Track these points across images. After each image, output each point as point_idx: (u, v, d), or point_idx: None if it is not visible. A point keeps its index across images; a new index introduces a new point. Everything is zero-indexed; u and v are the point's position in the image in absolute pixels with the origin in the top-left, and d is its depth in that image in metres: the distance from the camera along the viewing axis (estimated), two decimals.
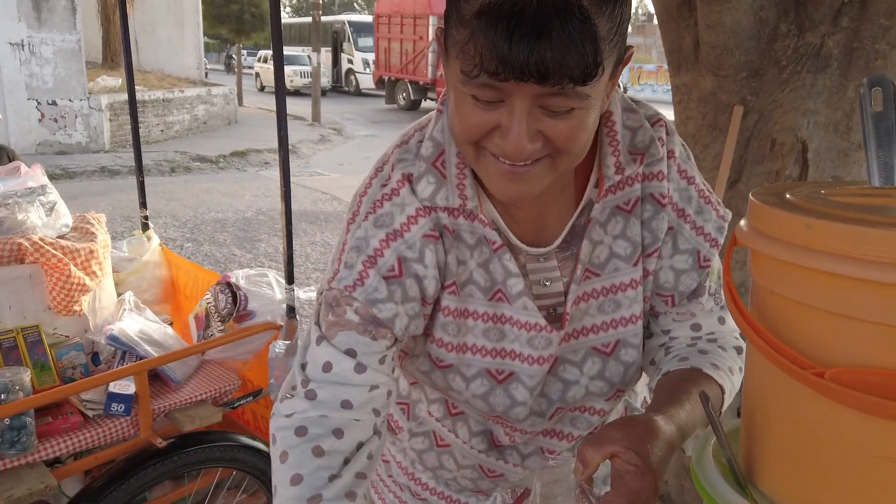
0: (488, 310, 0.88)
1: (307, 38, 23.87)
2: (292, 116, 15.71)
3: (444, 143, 0.84)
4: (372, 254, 0.82)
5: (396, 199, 0.84)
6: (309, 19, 21.97)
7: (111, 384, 1.85)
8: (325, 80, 24.96)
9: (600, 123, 0.84)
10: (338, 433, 0.81)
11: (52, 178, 2.35)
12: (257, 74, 26.85)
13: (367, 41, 23.86)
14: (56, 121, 10.27)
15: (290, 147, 2.52)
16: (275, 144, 2.00)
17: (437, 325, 0.89)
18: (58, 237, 2.06)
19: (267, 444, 2.03)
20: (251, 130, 14.16)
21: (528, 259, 0.88)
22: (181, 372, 2.10)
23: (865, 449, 0.55)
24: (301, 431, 0.81)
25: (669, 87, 2.40)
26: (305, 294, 2.16)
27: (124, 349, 2.05)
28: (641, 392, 1.12)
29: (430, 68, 18.75)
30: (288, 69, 24.06)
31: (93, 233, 2.16)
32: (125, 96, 2.77)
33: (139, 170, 2.81)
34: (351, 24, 25.49)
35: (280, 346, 2.00)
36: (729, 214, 0.91)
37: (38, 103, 10.09)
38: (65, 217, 2.15)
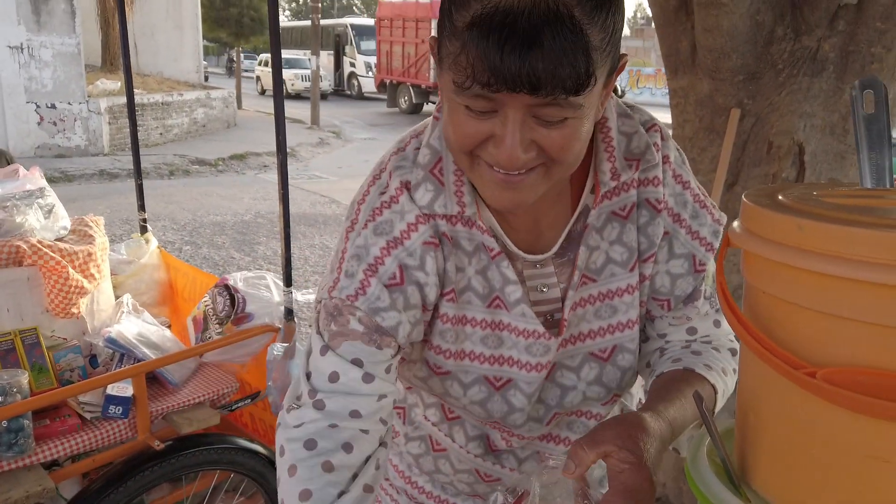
0: (486, 317, 0.88)
1: (308, 41, 23.92)
2: (291, 120, 15.73)
3: (441, 151, 0.84)
4: (373, 262, 0.82)
5: (396, 206, 0.83)
6: (310, 22, 22.02)
7: (109, 386, 1.85)
8: (327, 84, 24.95)
9: (595, 129, 0.84)
10: (347, 447, 0.80)
11: (50, 181, 2.36)
12: (258, 78, 26.83)
13: (369, 44, 23.85)
14: (55, 124, 10.27)
15: (288, 150, 2.53)
16: (274, 148, 2.01)
17: (435, 332, 0.89)
18: (56, 240, 2.06)
19: (265, 447, 2.03)
20: (250, 134, 14.17)
21: (524, 266, 0.88)
22: (179, 374, 2.10)
23: (857, 448, 0.55)
24: (311, 444, 0.80)
25: (668, 91, 2.41)
26: (304, 296, 2.16)
27: (122, 352, 2.05)
28: (637, 394, 1.13)
29: (432, 72, 18.75)
30: (289, 72, 24.10)
31: (91, 235, 2.16)
32: (124, 99, 2.78)
33: (137, 173, 2.81)
34: (353, 27, 25.48)
35: (278, 348, 2.00)
36: (724, 218, 0.92)
37: (37, 106, 10.10)
38: (63, 220, 2.16)
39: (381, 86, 21.81)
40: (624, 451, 0.71)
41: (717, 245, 0.91)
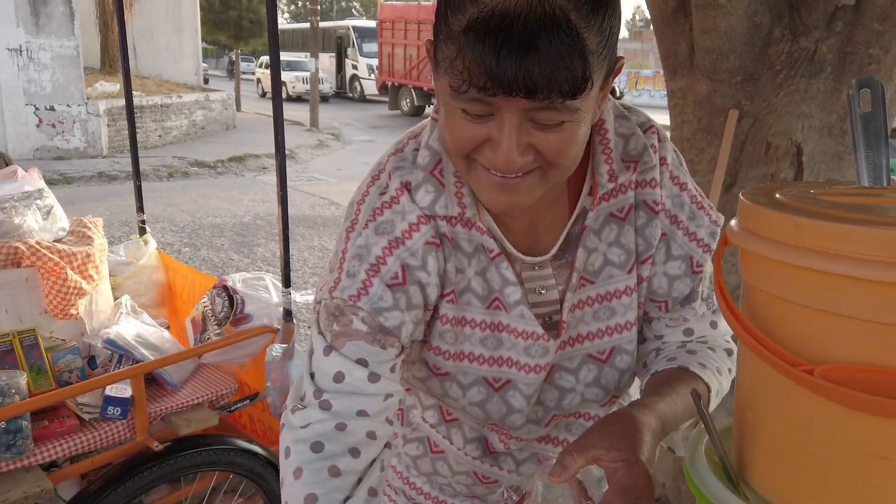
0: (486, 318, 0.88)
1: (309, 43, 23.95)
2: (290, 122, 15.74)
3: (440, 152, 0.84)
4: (375, 262, 0.81)
5: (397, 206, 0.83)
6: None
7: (107, 388, 1.85)
8: (328, 87, 24.91)
9: (593, 131, 0.84)
10: (354, 452, 0.79)
11: (49, 183, 2.36)
12: (258, 80, 26.81)
13: (371, 47, 23.73)
14: (54, 126, 10.27)
15: (288, 152, 2.52)
16: (273, 149, 2.01)
17: (434, 334, 0.88)
18: (54, 241, 2.06)
19: (264, 448, 2.03)
20: (249, 136, 14.17)
21: (523, 268, 0.88)
22: (178, 375, 2.10)
23: (855, 446, 0.55)
24: (317, 447, 0.79)
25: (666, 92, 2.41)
26: (302, 297, 2.16)
27: (121, 353, 2.05)
28: (635, 396, 1.13)
29: None
30: (289, 75, 24.09)
31: (89, 237, 2.16)
32: (123, 102, 2.78)
33: (136, 174, 2.81)
34: (356, 29, 25.41)
35: (277, 349, 2.00)
36: (721, 219, 0.92)
37: (36, 109, 10.10)
38: (61, 221, 2.16)
39: (383, 88, 21.73)
40: (613, 451, 0.71)
41: (714, 246, 0.91)
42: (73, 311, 2.02)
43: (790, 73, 2.03)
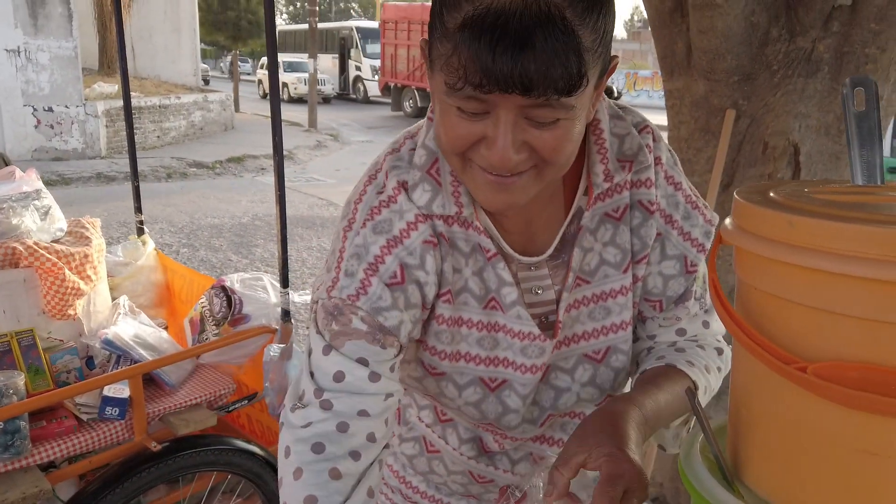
0: (482, 318, 0.88)
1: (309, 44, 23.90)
2: (289, 122, 15.73)
3: (437, 152, 0.84)
4: (373, 261, 0.81)
5: (394, 205, 0.83)
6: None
7: (106, 388, 1.85)
8: (331, 88, 24.82)
9: (588, 131, 0.84)
10: (355, 455, 0.79)
11: (48, 184, 2.36)
12: (259, 81, 26.69)
13: (375, 48, 23.54)
14: (52, 127, 10.26)
15: (286, 153, 2.53)
16: (271, 150, 2.01)
17: (430, 333, 0.88)
18: (52, 241, 2.06)
19: (262, 448, 2.03)
20: (248, 136, 14.16)
21: (519, 268, 0.88)
22: (176, 376, 2.10)
23: (848, 443, 0.55)
24: (318, 448, 0.78)
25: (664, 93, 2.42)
26: (301, 298, 2.16)
27: (119, 353, 2.05)
28: None
29: None
30: (291, 76, 24.01)
31: (87, 237, 2.16)
32: (121, 103, 2.78)
33: (134, 175, 2.81)
34: (359, 30, 25.23)
35: (275, 349, 2.00)
36: (716, 218, 0.92)
37: (35, 110, 10.09)
38: (59, 221, 2.16)
39: (385, 89, 21.57)
40: (594, 450, 0.71)
41: (708, 246, 0.91)
42: (71, 312, 2.02)
43: (787, 73, 2.03)
